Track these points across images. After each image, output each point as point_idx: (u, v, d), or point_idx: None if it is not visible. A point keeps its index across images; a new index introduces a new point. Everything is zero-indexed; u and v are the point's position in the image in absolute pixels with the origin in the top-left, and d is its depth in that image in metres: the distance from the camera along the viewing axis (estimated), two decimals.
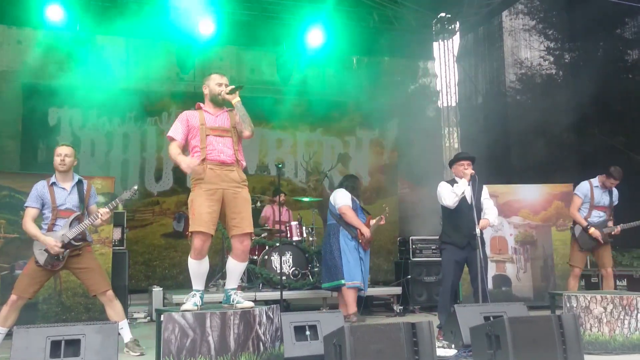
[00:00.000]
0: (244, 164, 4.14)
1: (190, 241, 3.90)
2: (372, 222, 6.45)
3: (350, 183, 6.55)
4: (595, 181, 6.38)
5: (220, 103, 4.11)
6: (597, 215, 6.31)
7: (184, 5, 8.56)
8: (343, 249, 6.21)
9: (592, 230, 6.20)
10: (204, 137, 3.98)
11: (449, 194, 5.27)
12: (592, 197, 6.32)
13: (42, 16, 8.24)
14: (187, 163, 3.86)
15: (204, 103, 4.18)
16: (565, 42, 10.82)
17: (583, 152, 9.78)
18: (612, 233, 6.26)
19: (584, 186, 6.41)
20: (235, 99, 4.01)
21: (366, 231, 6.24)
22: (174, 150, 4.00)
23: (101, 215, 4.54)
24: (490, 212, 5.38)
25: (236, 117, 4.05)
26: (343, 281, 6.16)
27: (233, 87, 4.06)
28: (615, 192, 6.39)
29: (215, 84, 4.10)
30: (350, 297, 6.14)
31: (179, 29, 8.69)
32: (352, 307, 6.12)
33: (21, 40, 9.07)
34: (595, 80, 8.50)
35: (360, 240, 6.24)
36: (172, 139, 4.07)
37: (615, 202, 6.39)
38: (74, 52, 8.73)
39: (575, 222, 6.39)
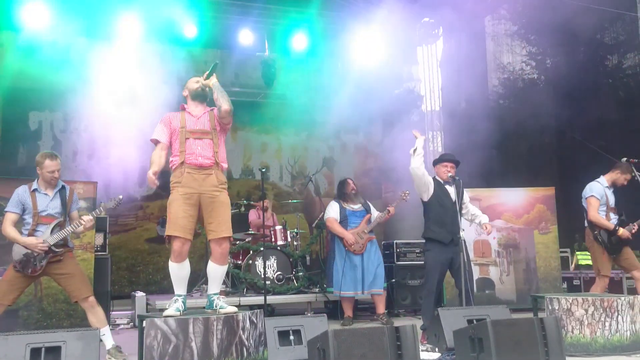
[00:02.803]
0: (225, 166, 4.13)
1: (169, 245, 3.91)
2: (373, 219, 6.46)
3: (338, 191, 6.74)
4: (604, 181, 5.75)
5: (201, 94, 4.14)
6: (614, 218, 5.68)
7: (167, 9, 8.51)
8: (337, 258, 6.41)
9: (621, 231, 5.53)
10: (184, 140, 4.02)
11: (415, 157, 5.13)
12: (607, 198, 5.68)
13: (23, 19, 8.13)
14: (148, 175, 4.03)
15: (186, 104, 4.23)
16: (546, 47, 10.97)
17: (564, 156, 9.92)
18: (633, 231, 5.62)
19: (597, 187, 5.71)
20: (213, 81, 4.11)
21: (348, 237, 6.30)
22: (153, 156, 4.11)
23: (84, 223, 4.50)
24: (481, 215, 5.48)
25: (214, 95, 4.08)
26: (330, 289, 6.59)
27: (208, 71, 4.14)
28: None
29: (193, 82, 4.22)
30: (344, 304, 6.46)
31: (162, 32, 8.63)
32: (347, 312, 6.43)
33: (1, 42, 8.95)
34: (576, 84, 8.61)
35: (346, 248, 6.35)
36: (156, 142, 4.12)
37: None
38: (55, 55, 8.61)
39: (594, 228, 5.66)
